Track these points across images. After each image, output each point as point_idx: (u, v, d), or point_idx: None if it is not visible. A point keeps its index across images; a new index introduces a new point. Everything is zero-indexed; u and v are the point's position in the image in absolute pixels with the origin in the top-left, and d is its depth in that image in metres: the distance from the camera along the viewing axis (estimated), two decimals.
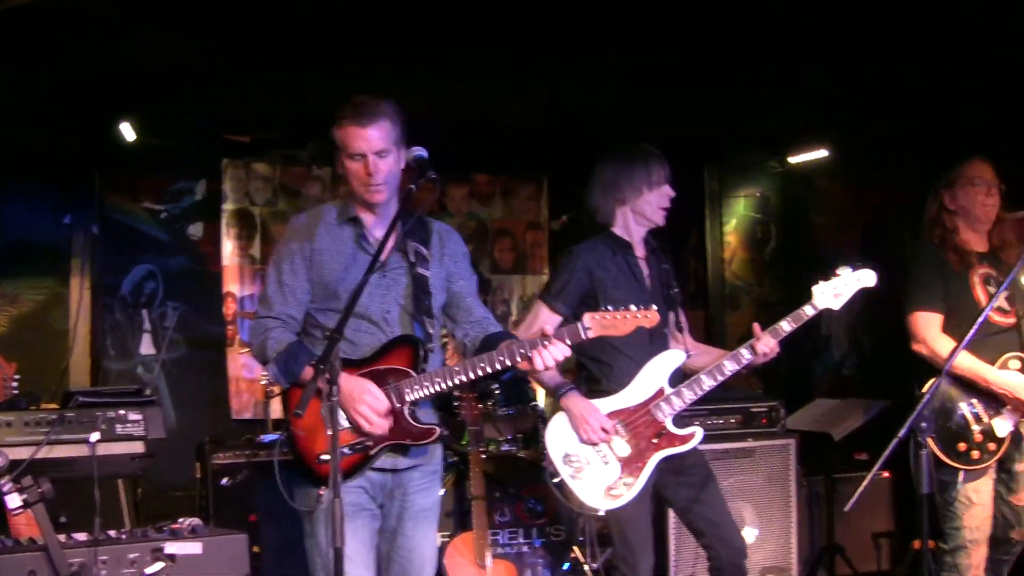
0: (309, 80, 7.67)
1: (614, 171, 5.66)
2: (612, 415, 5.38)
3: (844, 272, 5.38)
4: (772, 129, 9.85)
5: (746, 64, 7.65)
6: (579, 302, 5.52)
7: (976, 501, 5.71)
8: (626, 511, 5.38)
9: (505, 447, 7.56)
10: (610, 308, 4.40)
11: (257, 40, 6.99)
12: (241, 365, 9.16)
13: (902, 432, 4.30)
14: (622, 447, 5.35)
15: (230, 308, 9.19)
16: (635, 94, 8.43)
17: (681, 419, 5.43)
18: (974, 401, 5.69)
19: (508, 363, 4.35)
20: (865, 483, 4.54)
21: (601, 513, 5.40)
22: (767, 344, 5.35)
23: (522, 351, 4.33)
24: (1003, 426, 5.66)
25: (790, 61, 7.60)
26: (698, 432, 5.43)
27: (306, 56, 7.21)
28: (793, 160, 10.24)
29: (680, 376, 5.48)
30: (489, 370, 4.38)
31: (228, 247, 9.26)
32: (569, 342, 4.36)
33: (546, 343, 4.31)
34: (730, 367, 5.38)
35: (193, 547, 5.28)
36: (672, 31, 7.05)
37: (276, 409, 8.25)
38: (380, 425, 4.33)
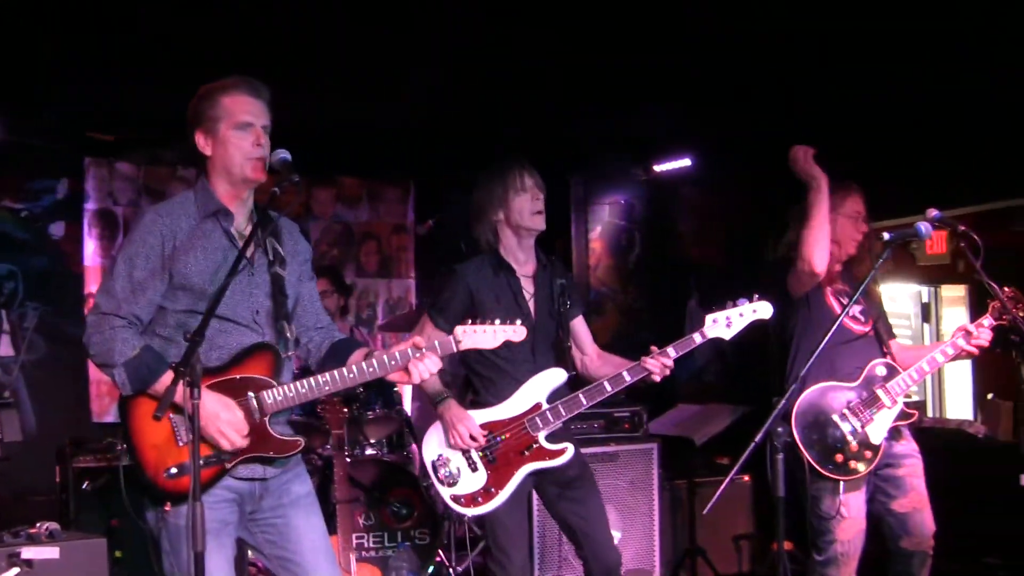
0: (174, 79, 7.58)
1: (480, 194, 5.64)
2: (485, 425, 5.40)
3: (741, 302, 5.36)
4: (637, 138, 9.97)
5: (611, 73, 7.74)
6: (462, 319, 5.54)
7: (847, 515, 5.73)
8: (499, 516, 5.41)
9: (370, 451, 7.54)
10: (479, 320, 4.43)
11: (121, 37, 6.91)
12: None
13: (758, 437, 4.36)
14: (491, 457, 5.39)
15: None
16: (501, 101, 8.48)
17: (555, 435, 5.45)
18: (846, 412, 5.72)
19: (379, 374, 4.27)
20: (723, 486, 4.61)
21: (466, 518, 5.43)
22: (659, 363, 5.35)
23: (393, 362, 4.26)
24: (877, 433, 5.75)
25: (654, 70, 7.70)
26: (569, 449, 5.44)
27: (171, 55, 7.14)
28: (658, 168, 10.38)
29: (566, 391, 5.49)
30: (359, 380, 4.28)
31: (90, 247, 9.14)
32: (441, 353, 4.36)
33: (419, 355, 4.27)
34: (610, 387, 5.38)
35: (50, 552, 5.22)
36: (535, 38, 7.11)
37: None
38: (240, 445, 4.12)
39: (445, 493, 5.38)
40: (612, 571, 5.54)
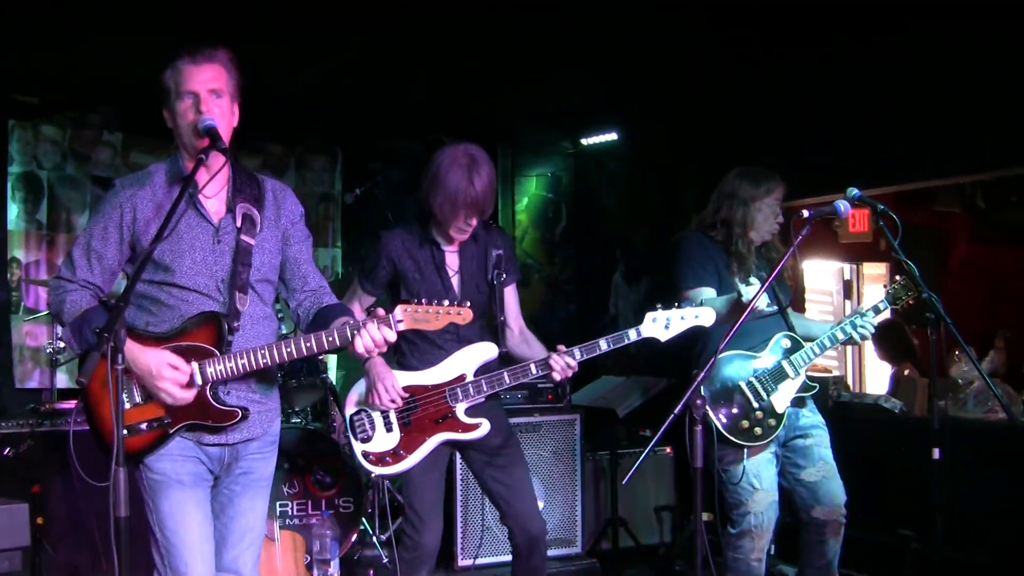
0: (100, 42, 7.53)
1: (432, 177, 5.42)
2: (409, 388, 5.41)
3: (685, 305, 5.34)
4: (564, 111, 10.01)
5: (538, 43, 7.77)
6: (386, 285, 5.57)
7: (759, 487, 5.86)
8: (415, 478, 5.45)
9: (295, 419, 7.54)
10: (423, 301, 4.33)
11: None
12: (25, 333, 8.96)
13: (677, 408, 4.41)
14: (407, 420, 5.41)
15: (15, 274, 8.97)
16: (429, 70, 8.48)
17: (475, 409, 5.47)
18: (752, 381, 5.85)
19: (339, 344, 4.25)
20: (642, 458, 4.65)
21: (373, 476, 5.44)
22: (561, 363, 5.33)
23: (354, 332, 4.23)
24: (781, 402, 5.87)
25: (582, 42, 7.74)
26: (484, 425, 5.45)
27: (97, 18, 7.07)
28: (585, 142, 10.42)
29: (497, 366, 5.50)
30: (316, 351, 4.27)
31: (14, 211, 9.02)
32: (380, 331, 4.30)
33: (380, 325, 4.23)
34: (535, 371, 5.40)
35: None
36: (465, 7, 7.11)
37: (62, 378, 8.12)
38: (184, 398, 4.15)
39: (357, 448, 5.40)
40: (535, 539, 5.58)
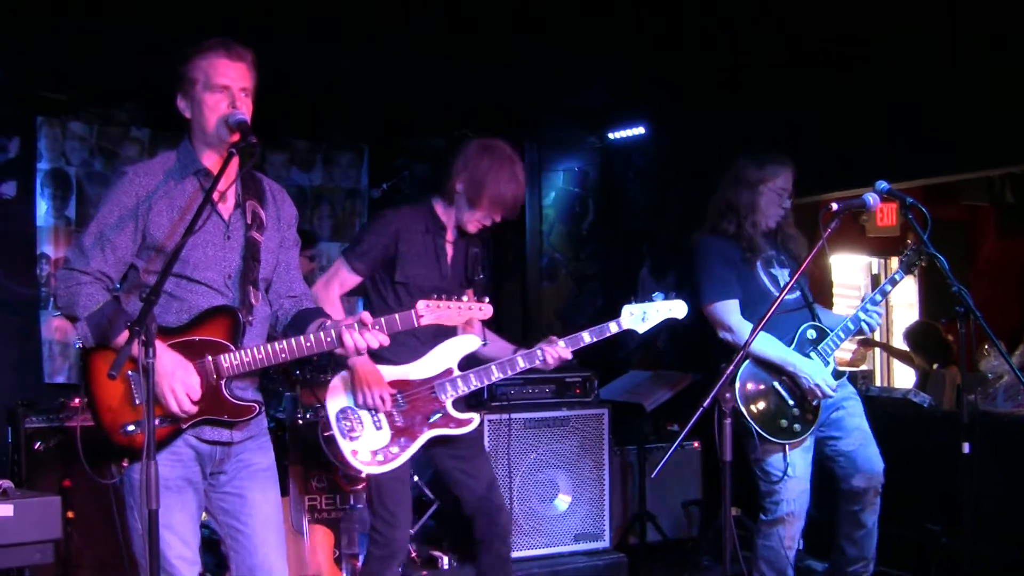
0: (127, 39, 7.54)
1: (479, 164, 5.48)
2: (395, 383, 5.42)
3: (657, 298, 5.51)
4: (591, 105, 10.00)
5: (566, 37, 7.76)
6: (379, 266, 5.53)
7: (793, 475, 5.90)
8: (386, 476, 5.45)
9: (322, 414, 7.54)
10: (443, 297, 4.36)
11: None
12: (55, 328, 9.01)
13: (706, 402, 4.41)
14: (397, 417, 5.41)
15: (44, 270, 9.02)
16: (456, 65, 8.48)
17: (462, 402, 5.50)
18: (784, 378, 5.89)
19: (336, 345, 4.24)
20: (670, 452, 4.68)
21: (363, 475, 5.44)
22: (555, 353, 5.41)
23: (340, 336, 4.22)
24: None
25: (609, 37, 7.73)
26: (475, 419, 5.49)
27: (125, 15, 7.09)
28: (612, 136, 10.40)
29: (470, 361, 5.52)
30: (316, 350, 4.26)
31: (43, 207, 9.09)
32: (401, 327, 4.32)
33: (363, 330, 4.22)
34: (523, 364, 5.44)
35: (4, 509, 5.24)
36: (490, 4, 7.11)
37: None
38: (189, 410, 4.09)
39: (345, 447, 5.38)
40: (504, 528, 5.69)
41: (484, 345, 5.61)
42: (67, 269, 4.20)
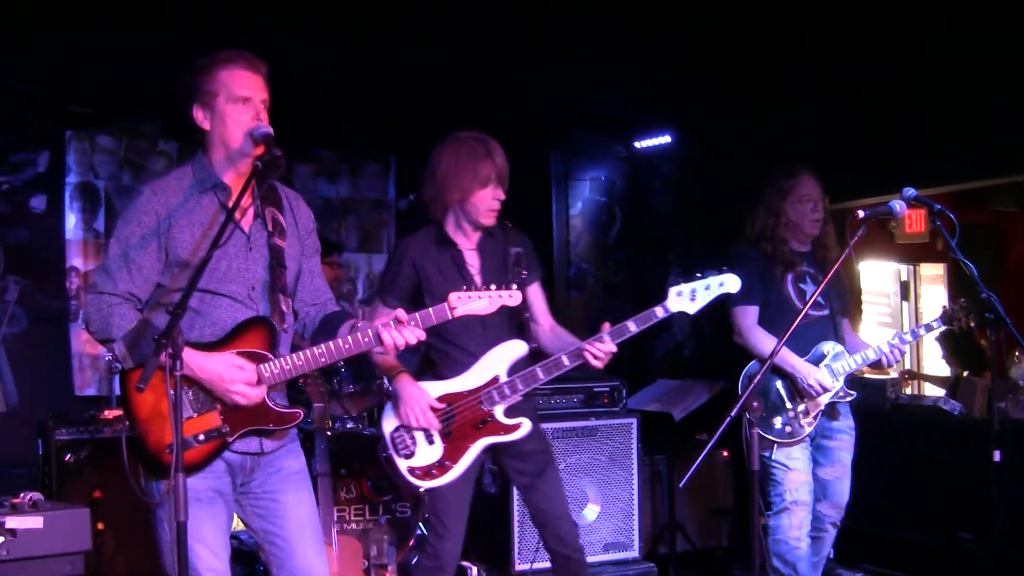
0: (155, 52, 7.56)
1: (445, 166, 5.50)
2: (443, 398, 5.39)
3: (708, 275, 5.23)
4: (617, 115, 10.00)
5: (592, 46, 7.76)
6: (410, 294, 5.53)
7: (792, 467, 6.04)
8: (443, 489, 5.42)
9: (350, 424, 7.56)
10: (474, 288, 4.40)
11: (102, 9, 6.89)
12: (84, 340, 9.03)
13: (733, 411, 4.41)
14: (447, 430, 5.38)
15: (74, 283, 9.05)
16: (482, 76, 8.48)
17: (513, 409, 5.43)
18: (785, 380, 6.02)
19: (374, 344, 4.23)
20: (698, 461, 4.64)
21: (421, 491, 5.43)
22: (601, 349, 5.27)
23: (378, 335, 4.22)
24: (815, 405, 6.00)
25: (635, 45, 7.73)
26: (525, 424, 5.42)
27: (152, 27, 7.11)
28: (638, 145, 10.39)
29: (524, 364, 5.46)
30: (354, 351, 4.25)
31: (72, 220, 9.11)
32: (435, 321, 4.33)
33: (399, 327, 4.22)
34: (568, 363, 5.33)
35: (34, 521, 5.26)
36: (517, 12, 7.11)
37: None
38: (258, 395, 4.13)
39: (402, 465, 5.37)
40: (570, 547, 5.62)
41: (533, 349, 5.53)
42: (96, 293, 4.18)
